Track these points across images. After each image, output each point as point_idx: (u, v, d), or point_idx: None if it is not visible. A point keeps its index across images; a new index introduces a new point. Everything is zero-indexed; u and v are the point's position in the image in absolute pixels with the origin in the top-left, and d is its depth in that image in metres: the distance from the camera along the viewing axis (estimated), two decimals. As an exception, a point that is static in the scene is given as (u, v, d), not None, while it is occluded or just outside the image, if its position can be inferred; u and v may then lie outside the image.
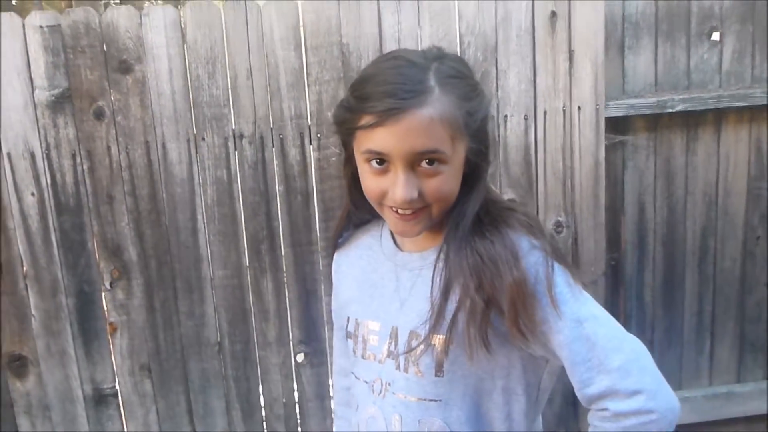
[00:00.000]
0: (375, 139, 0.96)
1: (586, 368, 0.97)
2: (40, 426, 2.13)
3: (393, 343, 1.06)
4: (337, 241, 1.25)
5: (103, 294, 2.07)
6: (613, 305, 2.31)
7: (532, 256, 0.98)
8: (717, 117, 2.25)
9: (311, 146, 2.02)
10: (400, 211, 0.99)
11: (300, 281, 2.08)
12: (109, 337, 2.10)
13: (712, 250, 2.34)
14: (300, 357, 2.15)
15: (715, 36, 2.21)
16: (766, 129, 2.27)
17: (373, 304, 1.12)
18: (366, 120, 0.96)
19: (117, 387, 2.14)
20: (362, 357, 1.11)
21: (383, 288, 1.11)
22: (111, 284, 2.06)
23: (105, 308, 2.09)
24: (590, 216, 2.12)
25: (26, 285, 2.04)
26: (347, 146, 1.08)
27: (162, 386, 2.13)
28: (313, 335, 2.14)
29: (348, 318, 1.16)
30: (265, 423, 2.19)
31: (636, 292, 2.33)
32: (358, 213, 1.18)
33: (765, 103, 2.19)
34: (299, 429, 2.20)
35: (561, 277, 0.98)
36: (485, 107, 1.02)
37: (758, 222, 2.35)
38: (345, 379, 1.25)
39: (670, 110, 2.13)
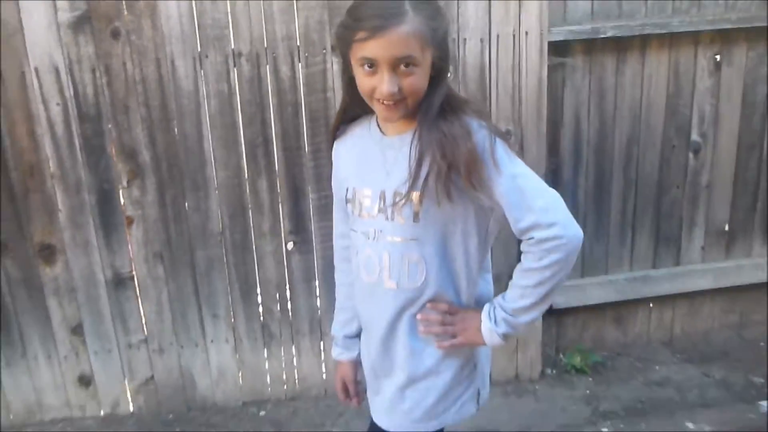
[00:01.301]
0: (367, 48, 1.27)
1: (518, 209, 1.33)
2: (66, 306, 2.49)
3: (382, 202, 1.41)
4: (335, 133, 1.60)
5: (120, 191, 2.40)
6: (552, 203, 2.73)
7: (480, 132, 1.34)
8: (642, 43, 2.64)
9: (300, 64, 2.35)
10: (385, 102, 1.30)
11: (290, 180, 2.45)
12: (126, 229, 2.44)
13: (636, 157, 2.77)
14: (290, 245, 2.53)
15: (643, -28, 2.58)
16: (683, 53, 2.67)
17: (365, 176, 1.46)
18: (360, 35, 1.27)
19: (133, 272, 2.49)
20: (359, 215, 1.46)
21: (373, 164, 1.45)
22: (127, 183, 2.39)
23: (122, 204, 2.42)
24: (534, 126, 2.50)
25: (53, 184, 2.36)
26: (345, 57, 1.39)
27: (172, 271, 2.50)
28: (301, 227, 2.51)
29: (347, 188, 1.50)
30: (260, 301, 2.58)
31: (571, 191, 2.75)
32: (352, 108, 1.49)
33: (682, 30, 2.58)
34: (289, 306, 2.60)
35: (500, 147, 1.35)
36: (445, 25, 1.36)
37: (674, 133, 2.77)
38: (343, 241, 1.61)
39: (603, 36, 2.51)
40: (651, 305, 2.97)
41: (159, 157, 2.37)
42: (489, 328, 1.39)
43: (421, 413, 1.46)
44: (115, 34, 2.24)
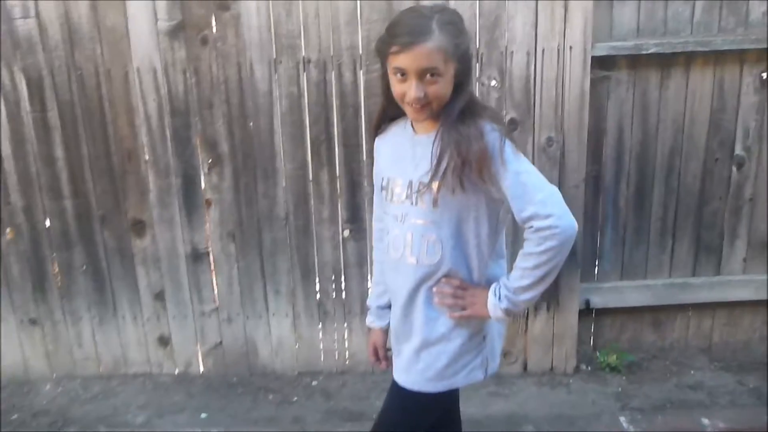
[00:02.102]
0: (399, 60, 1.53)
1: (521, 201, 1.55)
2: (152, 274, 2.87)
3: (409, 189, 1.66)
4: (376, 130, 1.85)
5: (202, 177, 2.76)
6: (593, 208, 2.89)
7: (491, 134, 1.57)
8: (687, 59, 2.77)
9: (361, 71, 2.64)
10: (413, 105, 1.56)
11: (348, 174, 2.74)
12: (205, 210, 2.79)
13: (677, 167, 2.89)
14: (346, 233, 2.82)
15: (689, -8, 2.73)
16: (728, 70, 2.79)
17: (398, 168, 1.71)
18: (394, 48, 1.53)
19: (209, 248, 2.84)
20: (391, 201, 1.72)
21: (405, 157, 1.70)
22: (208, 170, 2.75)
23: (203, 188, 2.77)
24: (575, 134, 2.69)
25: (146, 168, 2.74)
26: (383, 65, 1.67)
27: (242, 249, 2.83)
28: (357, 216, 2.79)
29: (383, 178, 1.77)
30: (317, 281, 2.88)
31: (612, 198, 2.91)
32: (390, 109, 1.74)
33: (725, 48, 2.71)
34: (343, 287, 2.89)
35: (508, 147, 1.57)
36: (467, 42, 1.60)
37: (717, 146, 2.88)
38: (380, 224, 1.87)
39: (645, 52, 2.67)
40: (690, 312, 3.07)
41: (236, 149, 2.71)
42: (493, 303, 1.62)
43: (433, 373, 1.70)
44: (204, 41, 2.60)
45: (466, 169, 1.55)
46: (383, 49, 1.56)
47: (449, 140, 1.56)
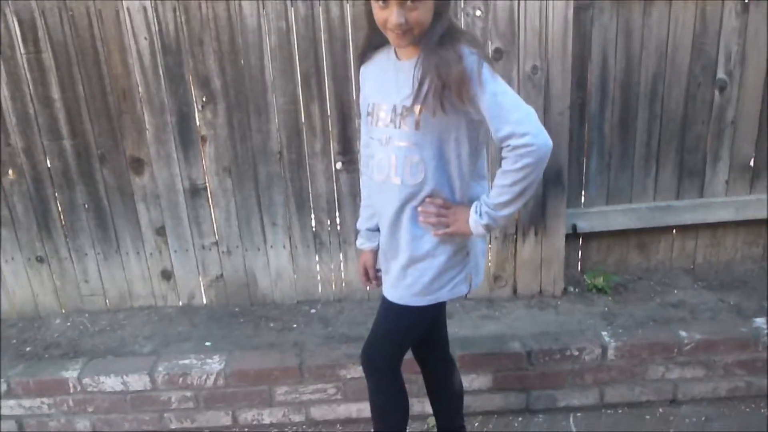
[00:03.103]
0: None
1: (498, 121, 1.62)
2: (152, 210, 2.96)
3: (392, 113, 1.74)
4: (362, 58, 1.90)
5: (196, 113, 2.83)
6: (578, 135, 2.97)
7: (470, 57, 1.63)
8: (670, -15, 2.81)
9: (348, 4, 2.68)
10: (395, 30, 1.62)
11: (339, 107, 2.80)
12: (201, 146, 2.87)
13: (661, 93, 2.96)
14: (338, 165, 2.90)
15: None
16: (710, -4, 2.83)
17: (383, 93, 1.79)
18: None
19: (206, 183, 2.93)
20: (375, 125, 1.80)
21: (389, 83, 1.77)
22: (202, 106, 2.81)
23: (198, 124, 2.84)
24: (559, 62, 2.74)
25: (142, 106, 2.80)
26: None
27: (239, 183, 2.92)
28: (348, 148, 2.87)
29: (369, 103, 1.84)
30: (312, 213, 2.98)
31: (598, 124, 2.98)
32: (374, 37, 1.80)
33: (708, -26, 2.75)
34: (337, 218, 2.98)
35: (486, 69, 1.63)
36: None
37: (699, 71, 2.94)
38: (366, 149, 1.94)
39: (628, -21, 2.71)
40: (674, 234, 3.18)
41: (228, 85, 2.77)
42: (474, 219, 1.72)
43: (419, 288, 1.81)
44: (192, -22, 2.64)
45: (446, 91, 1.62)
46: None
47: (430, 64, 1.62)
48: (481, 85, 1.60)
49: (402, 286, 1.83)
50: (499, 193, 1.67)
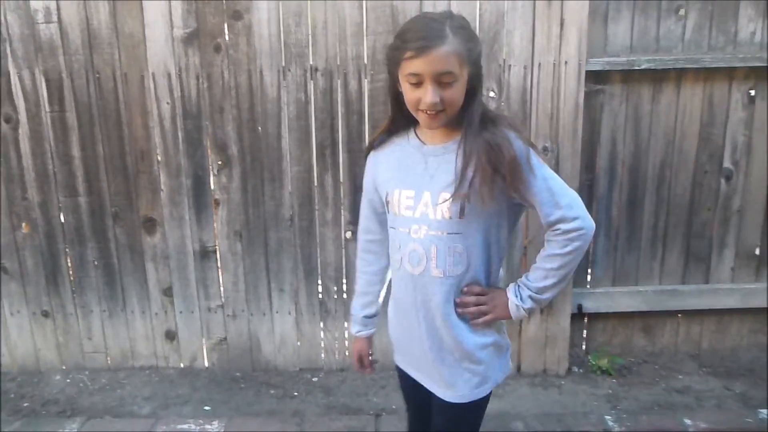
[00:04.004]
0: (414, 65, 1.49)
1: (548, 206, 1.58)
2: (161, 271, 2.99)
3: (425, 201, 1.59)
4: (374, 144, 1.75)
5: (211, 178, 2.88)
6: (586, 216, 3.01)
7: (517, 142, 1.58)
8: (678, 75, 2.90)
9: (366, 80, 2.77)
10: (428, 111, 1.50)
11: (352, 178, 2.86)
12: (214, 209, 2.91)
13: (668, 178, 3.01)
14: (348, 234, 2.93)
15: (681, 11, 2.85)
16: (717, 87, 2.91)
17: (407, 180, 1.63)
18: (408, 54, 1.52)
19: (216, 246, 2.96)
20: (398, 214, 1.63)
21: (414, 169, 1.63)
22: (217, 171, 2.87)
23: (212, 188, 2.89)
24: (570, 145, 2.81)
25: (158, 168, 2.86)
26: (393, 75, 1.64)
27: (249, 248, 2.95)
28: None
29: (387, 192, 1.66)
30: (320, 280, 2.99)
31: (606, 206, 3.02)
32: (399, 121, 1.73)
33: (714, 66, 2.83)
34: (344, 287, 3.00)
35: (534, 155, 1.60)
36: (479, 47, 1.61)
37: (706, 159, 3.00)
38: (367, 235, 1.81)
39: (638, 68, 2.80)
40: (679, 318, 3.17)
41: (245, 151, 2.84)
42: (516, 304, 1.65)
43: (479, 380, 1.69)
44: (217, 49, 2.73)
45: (497, 177, 1.57)
46: (395, 57, 1.54)
47: (475, 148, 1.56)
48: (531, 170, 1.57)
49: (462, 383, 1.71)
50: (544, 276, 1.63)
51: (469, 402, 1.70)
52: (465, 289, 1.65)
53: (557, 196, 1.57)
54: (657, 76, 2.88)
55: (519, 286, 1.66)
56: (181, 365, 3.10)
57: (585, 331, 3.17)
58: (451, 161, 1.58)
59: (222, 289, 3.00)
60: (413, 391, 1.84)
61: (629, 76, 2.87)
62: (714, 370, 3.11)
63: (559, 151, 2.81)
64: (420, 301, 1.66)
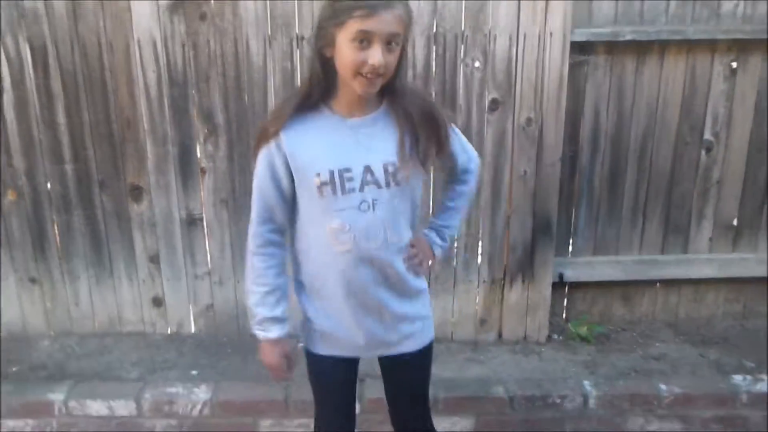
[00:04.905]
0: (366, 24, 1.41)
1: (462, 156, 1.77)
2: (147, 238, 3.01)
3: (368, 175, 1.57)
4: (283, 125, 1.57)
5: (197, 146, 2.89)
6: (569, 186, 3.05)
7: (435, 104, 1.73)
8: (662, 47, 2.92)
9: (352, 49, 2.77)
10: (369, 75, 1.45)
11: (337, 147, 2.88)
12: (200, 178, 2.93)
13: (650, 150, 3.05)
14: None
15: (665, -16, 2.87)
16: (700, 59, 2.94)
17: (341, 157, 1.57)
18: (359, 12, 1.40)
19: (203, 214, 2.98)
20: (344, 193, 1.56)
21: (343, 145, 1.58)
22: (204, 139, 2.88)
23: (198, 156, 2.90)
24: (553, 115, 2.84)
25: (145, 136, 2.87)
26: (325, 38, 1.48)
27: (235, 216, 2.97)
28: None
29: (318, 173, 1.55)
30: (306, 248, 3.03)
31: (588, 177, 3.07)
32: (309, 98, 1.57)
33: (697, 38, 2.86)
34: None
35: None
36: (413, 14, 1.60)
37: (687, 131, 3.04)
38: (268, 226, 1.69)
39: (622, 39, 2.82)
40: (658, 288, 3.24)
41: (231, 120, 2.85)
42: (440, 245, 1.84)
43: (430, 321, 1.82)
44: (203, 17, 2.72)
45: (434, 140, 1.65)
46: (339, 16, 1.45)
47: (414, 113, 1.60)
48: (452, 129, 1.75)
49: (429, 326, 1.82)
50: (456, 215, 1.88)
51: (432, 340, 1.84)
52: (406, 246, 1.71)
53: (465, 144, 1.81)
54: (641, 48, 2.90)
55: (435, 229, 1.84)
56: (168, 331, 3.15)
57: (566, 300, 3.24)
58: (386, 130, 1.61)
59: (209, 256, 3.03)
60: (342, 379, 1.84)
61: (613, 47, 2.89)
62: (690, 338, 3.19)
63: (543, 122, 2.84)
64: (378, 270, 1.66)
